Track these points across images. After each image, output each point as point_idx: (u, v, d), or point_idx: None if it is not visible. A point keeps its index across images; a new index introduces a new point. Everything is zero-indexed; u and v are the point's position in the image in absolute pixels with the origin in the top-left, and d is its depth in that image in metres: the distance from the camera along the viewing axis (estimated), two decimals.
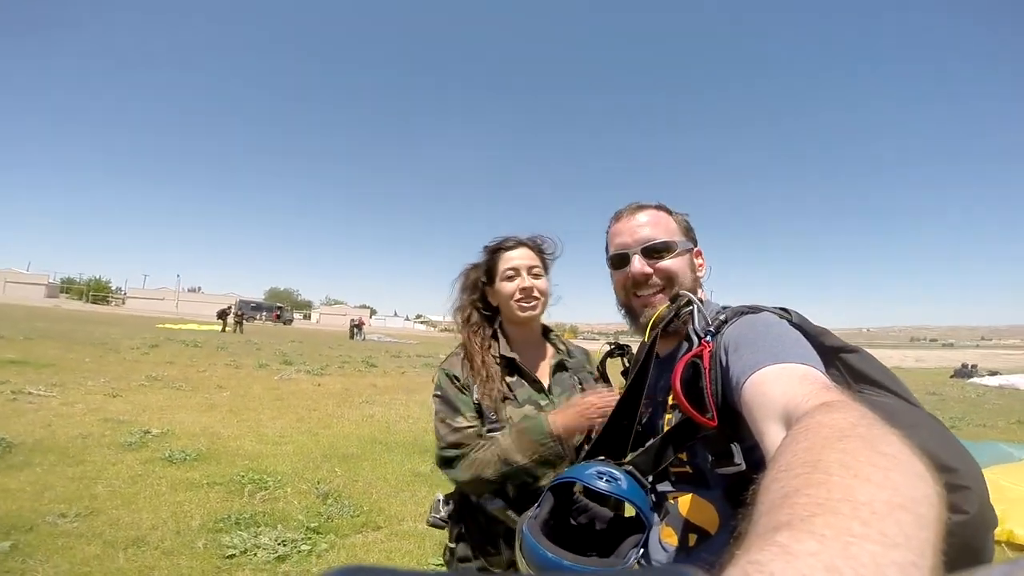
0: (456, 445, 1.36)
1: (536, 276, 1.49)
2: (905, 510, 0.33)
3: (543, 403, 1.43)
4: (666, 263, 1.08)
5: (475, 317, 1.56)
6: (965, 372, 22.95)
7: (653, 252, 1.08)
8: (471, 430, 1.38)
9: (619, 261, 1.13)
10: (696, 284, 1.11)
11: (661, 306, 1.08)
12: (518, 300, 1.46)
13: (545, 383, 1.48)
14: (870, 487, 0.35)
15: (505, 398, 1.43)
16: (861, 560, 0.28)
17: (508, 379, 1.46)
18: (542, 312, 1.53)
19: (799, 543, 0.29)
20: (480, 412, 1.41)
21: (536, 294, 1.47)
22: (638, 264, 1.08)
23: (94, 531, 3.08)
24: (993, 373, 22.67)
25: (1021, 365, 31.48)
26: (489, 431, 1.38)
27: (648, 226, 1.10)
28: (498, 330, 1.54)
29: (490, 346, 1.50)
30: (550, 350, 1.56)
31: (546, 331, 1.61)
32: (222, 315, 29.51)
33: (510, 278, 1.47)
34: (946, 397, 13.93)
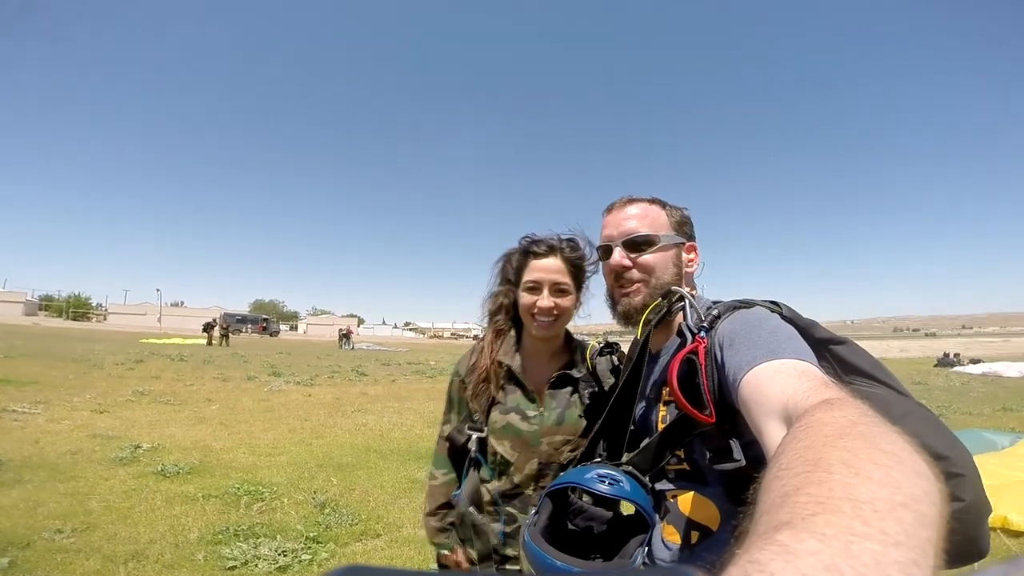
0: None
1: (560, 293, 1.36)
2: (907, 508, 0.33)
3: (531, 413, 1.40)
4: (646, 257, 1.09)
5: (500, 313, 1.50)
6: (948, 361, 23.31)
7: (634, 245, 1.10)
8: (445, 427, 1.55)
9: (604, 252, 1.16)
10: (680, 279, 1.11)
11: (636, 298, 1.10)
12: (534, 315, 1.37)
13: (541, 393, 1.43)
14: (871, 485, 0.35)
15: (495, 402, 1.43)
16: (862, 559, 0.28)
17: (507, 384, 1.44)
18: (561, 328, 1.44)
19: (800, 542, 0.29)
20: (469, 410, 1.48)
21: (555, 313, 1.36)
22: (617, 256, 1.11)
23: (92, 546, 3.05)
24: (975, 361, 23.04)
25: (1002, 352, 32.08)
26: (470, 428, 1.45)
27: (634, 219, 1.12)
28: (513, 333, 1.49)
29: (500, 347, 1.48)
30: (563, 359, 1.47)
31: (570, 340, 1.51)
32: (208, 328, 29.12)
33: (531, 290, 1.37)
34: (931, 386, 14.16)
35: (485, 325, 1.53)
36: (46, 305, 73.93)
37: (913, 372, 18.60)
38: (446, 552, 1.48)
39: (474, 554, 1.42)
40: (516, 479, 1.39)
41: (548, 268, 1.36)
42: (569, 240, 1.41)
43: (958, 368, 20.89)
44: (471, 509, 1.41)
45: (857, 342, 0.91)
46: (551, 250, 1.38)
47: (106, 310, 75.47)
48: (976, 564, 0.72)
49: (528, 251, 1.40)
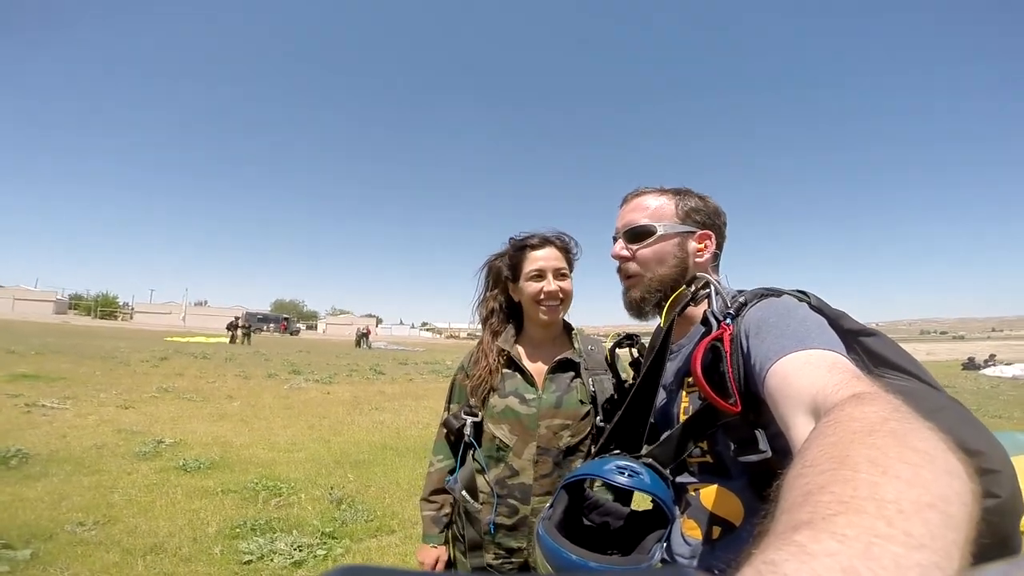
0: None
1: (562, 277, 1.47)
2: (934, 509, 0.31)
3: (530, 396, 1.45)
4: (642, 247, 1.08)
5: (495, 314, 1.57)
6: (973, 365, 22.68)
7: (633, 236, 1.09)
8: (445, 416, 1.60)
9: (614, 243, 1.15)
10: (685, 269, 1.08)
11: (635, 291, 1.09)
12: (542, 302, 1.45)
13: (541, 379, 1.48)
14: (899, 485, 0.33)
15: (493, 389, 1.48)
16: (882, 562, 0.27)
17: (505, 371, 1.49)
18: (564, 313, 1.53)
19: (818, 543, 0.28)
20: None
21: (561, 296, 1.46)
22: (617, 247, 1.11)
23: (112, 539, 3.10)
24: (1008, 364, 22.35)
25: None
26: (466, 413, 1.50)
27: (637, 210, 1.11)
28: (511, 326, 1.56)
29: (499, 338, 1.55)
30: (564, 348, 1.53)
31: (568, 329, 1.59)
32: (232, 327, 29.60)
33: (536, 278, 1.45)
34: (960, 389, 13.83)
35: (481, 330, 1.61)
36: (75, 304, 76.06)
37: (941, 375, 18.10)
38: (427, 546, 1.54)
39: (463, 547, 1.47)
40: (514, 464, 1.42)
41: (548, 256, 1.47)
42: (556, 235, 1.52)
43: (987, 371, 20.30)
44: (464, 494, 1.44)
45: None
46: (545, 241, 1.49)
47: (132, 309, 77.38)
48: None
49: (524, 245, 1.49)
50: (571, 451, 1.42)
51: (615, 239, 1.14)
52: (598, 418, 1.42)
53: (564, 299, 1.48)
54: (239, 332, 29.10)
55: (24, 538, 2.98)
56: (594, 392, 1.44)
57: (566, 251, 1.50)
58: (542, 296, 1.45)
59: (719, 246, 1.13)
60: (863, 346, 0.84)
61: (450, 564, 1.52)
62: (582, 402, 1.44)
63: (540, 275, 1.45)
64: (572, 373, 1.48)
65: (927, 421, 0.43)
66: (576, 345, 1.53)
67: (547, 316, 1.47)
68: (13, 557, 2.74)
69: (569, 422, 1.42)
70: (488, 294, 1.60)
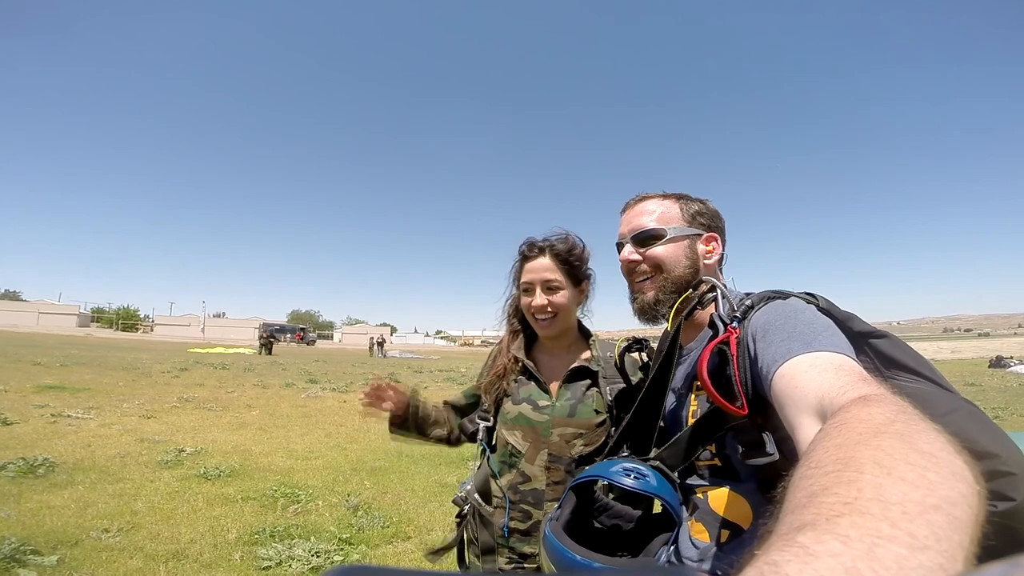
0: None
1: (554, 290, 1.41)
2: (939, 511, 0.31)
3: (543, 403, 1.43)
4: (654, 250, 1.08)
5: (516, 315, 1.56)
6: (1001, 363, 22.11)
7: (643, 240, 1.09)
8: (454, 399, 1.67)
9: (618, 249, 1.15)
10: (696, 271, 1.08)
11: (648, 293, 1.08)
12: (534, 315, 1.44)
13: (555, 386, 1.45)
14: (903, 486, 0.33)
15: (506, 394, 1.47)
16: (885, 563, 0.27)
17: (520, 377, 1.49)
18: (563, 324, 1.46)
19: (821, 544, 0.28)
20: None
21: (550, 311, 1.41)
22: (626, 251, 1.11)
23: (136, 545, 3.16)
24: None
25: None
26: (480, 418, 1.52)
27: (643, 214, 1.11)
28: (529, 332, 1.55)
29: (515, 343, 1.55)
30: (581, 355, 1.49)
31: (586, 335, 1.55)
32: (262, 339, 29.51)
33: (526, 292, 1.44)
34: (986, 387, 13.52)
35: (504, 327, 1.60)
36: (97, 317, 77.77)
37: (967, 373, 17.75)
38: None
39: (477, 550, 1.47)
40: (527, 470, 1.41)
41: (537, 268, 1.42)
42: (560, 238, 1.46)
43: (1014, 368, 19.78)
44: (476, 496, 1.45)
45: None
46: (541, 250, 1.44)
47: (153, 321, 78.86)
48: None
49: (523, 255, 1.47)
50: (584, 460, 1.37)
51: (620, 246, 1.14)
52: (613, 428, 1.39)
53: (557, 313, 1.42)
54: (258, 343, 29.42)
55: (51, 544, 3.05)
56: (611, 402, 1.40)
57: (563, 259, 1.43)
58: (532, 311, 1.43)
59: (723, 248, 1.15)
60: (873, 348, 0.84)
61: (464, 566, 1.52)
62: (597, 411, 1.40)
63: (530, 288, 1.43)
64: (588, 381, 1.44)
65: (936, 423, 0.43)
66: (594, 352, 1.48)
67: (540, 331, 1.45)
68: (41, 563, 2.81)
69: (583, 431, 1.38)
70: (515, 293, 1.57)
